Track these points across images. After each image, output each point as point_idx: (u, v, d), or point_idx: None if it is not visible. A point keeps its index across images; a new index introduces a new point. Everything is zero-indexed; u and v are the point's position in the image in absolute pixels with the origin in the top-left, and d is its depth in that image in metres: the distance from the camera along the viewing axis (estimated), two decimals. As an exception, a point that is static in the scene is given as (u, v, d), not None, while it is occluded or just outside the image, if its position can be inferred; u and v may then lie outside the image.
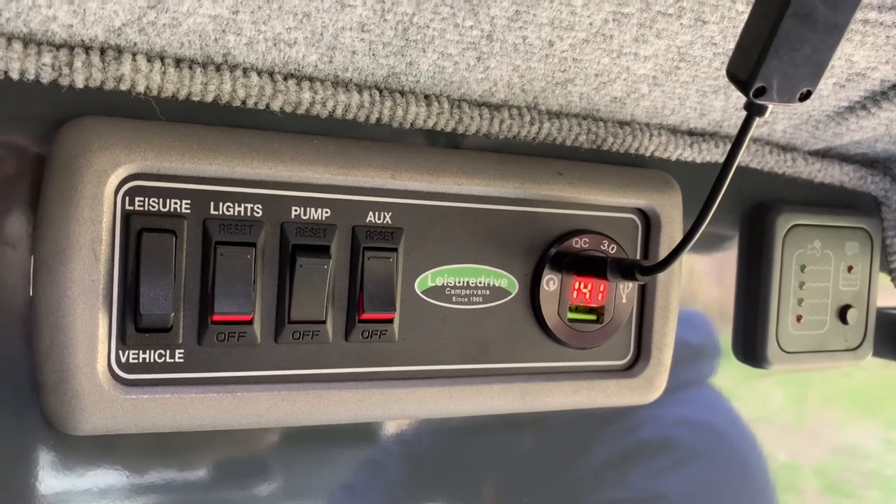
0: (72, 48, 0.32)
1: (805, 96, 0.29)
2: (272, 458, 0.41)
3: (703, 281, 0.54)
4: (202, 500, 0.39)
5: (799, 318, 0.53)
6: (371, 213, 0.38)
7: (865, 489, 0.68)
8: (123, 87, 0.33)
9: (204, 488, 0.39)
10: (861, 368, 0.59)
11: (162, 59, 0.33)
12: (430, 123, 0.39)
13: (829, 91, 0.42)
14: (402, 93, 0.38)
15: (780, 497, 0.61)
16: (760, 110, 0.30)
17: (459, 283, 0.40)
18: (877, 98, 0.43)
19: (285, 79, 0.35)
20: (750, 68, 0.28)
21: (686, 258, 0.35)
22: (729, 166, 0.32)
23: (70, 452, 0.35)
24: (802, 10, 0.27)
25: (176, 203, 0.34)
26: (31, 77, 0.31)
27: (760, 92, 0.29)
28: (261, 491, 0.40)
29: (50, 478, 0.35)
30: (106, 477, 0.36)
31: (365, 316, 0.37)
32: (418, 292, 0.39)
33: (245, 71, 0.35)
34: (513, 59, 0.36)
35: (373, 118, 0.38)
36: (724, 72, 0.39)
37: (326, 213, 0.37)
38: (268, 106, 0.35)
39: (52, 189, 0.32)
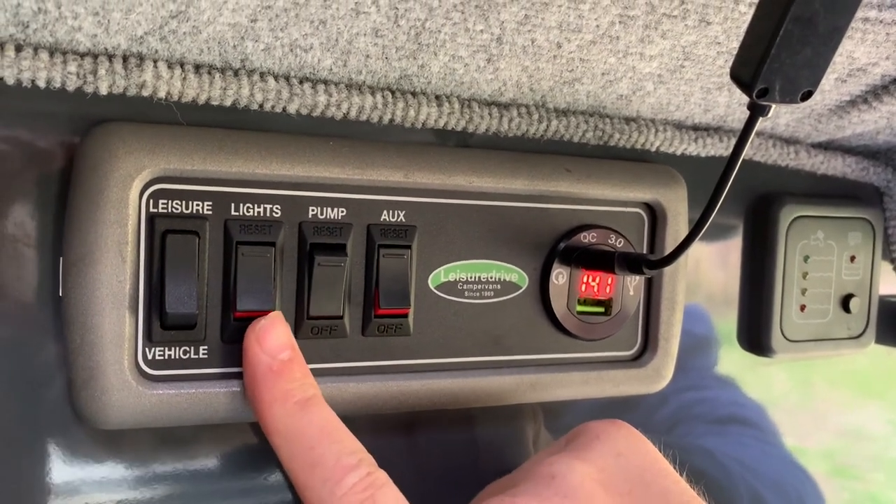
0: (95, 56, 0.33)
1: (806, 96, 0.30)
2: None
3: (708, 272, 0.55)
4: (220, 488, 0.40)
5: (803, 308, 0.54)
6: (385, 212, 0.39)
7: (871, 472, 0.69)
8: (146, 93, 0.34)
9: (222, 477, 0.40)
10: (864, 356, 0.60)
11: (182, 65, 0.34)
12: (441, 123, 0.40)
13: (831, 86, 0.43)
14: (413, 94, 0.39)
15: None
16: (763, 110, 0.31)
17: (471, 278, 0.41)
18: (878, 92, 0.44)
19: (301, 82, 0.36)
20: (753, 70, 0.29)
21: (692, 250, 0.36)
22: (733, 165, 0.33)
23: (99, 446, 0.37)
24: (804, 13, 0.28)
25: (198, 205, 0.35)
26: (58, 85, 0.32)
27: (763, 93, 0.30)
28: (277, 479, 0.42)
29: (80, 470, 0.37)
30: (133, 467, 0.38)
31: (381, 311, 0.38)
32: (432, 288, 0.40)
33: (262, 75, 0.36)
34: (522, 61, 0.37)
35: (385, 119, 0.39)
36: (727, 70, 0.40)
37: (342, 212, 0.38)
38: (284, 109, 0.36)
39: (78, 193, 0.33)
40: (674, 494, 0.33)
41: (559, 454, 0.35)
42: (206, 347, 0.36)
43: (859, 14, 0.35)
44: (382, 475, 0.31)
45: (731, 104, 0.45)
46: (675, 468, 0.35)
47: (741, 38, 0.30)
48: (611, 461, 0.34)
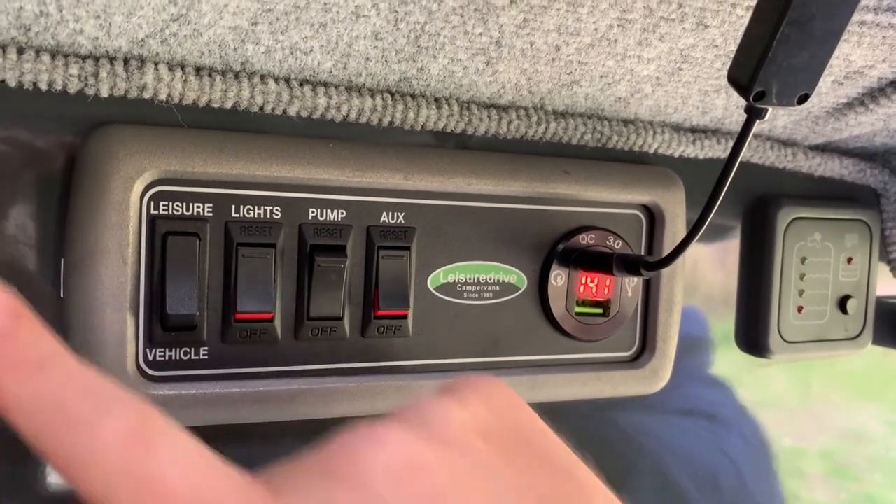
0: (97, 59, 0.33)
1: (803, 99, 0.31)
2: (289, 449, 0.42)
3: (706, 273, 0.55)
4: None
5: (800, 309, 0.55)
6: (385, 214, 0.39)
7: (869, 472, 0.70)
8: (147, 95, 0.34)
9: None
10: (861, 357, 0.60)
11: (183, 67, 0.34)
12: (441, 125, 0.40)
13: (829, 89, 0.44)
14: (413, 96, 0.39)
15: (785, 482, 0.62)
16: (760, 113, 0.31)
17: (470, 279, 0.42)
18: (875, 95, 0.44)
19: (301, 85, 0.37)
20: (750, 74, 0.29)
21: (690, 251, 0.37)
22: (730, 166, 0.33)
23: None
24: (801, 17, 0.28)
25: (199, 207, 0.35)
26: (59, 87, 0.32)
27: (760, 96, 0.30)
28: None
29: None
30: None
31: (380, 312, 0.39)
32: (431, 289, 0.41)
33: (263, 78, 0.36)
34: (521, 63, 0.38)
35: (385, 121, 0.39)
36: (725, 72, 0.40)
37: (342, 213, 0.38)
38: (285, 111, 0.37)
39: (80, 195, 0.33)
40: (556, 455, 0.28)
41: (428, 400, 0.27)
42: (206, 349, 0.36)
43: (856, 17, 0.36)
44: (156, 417, 0.21)
45: (729, 106, 0.45)
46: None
47: (738, 42, 0.30)
48: (488, 414, 0.27)
